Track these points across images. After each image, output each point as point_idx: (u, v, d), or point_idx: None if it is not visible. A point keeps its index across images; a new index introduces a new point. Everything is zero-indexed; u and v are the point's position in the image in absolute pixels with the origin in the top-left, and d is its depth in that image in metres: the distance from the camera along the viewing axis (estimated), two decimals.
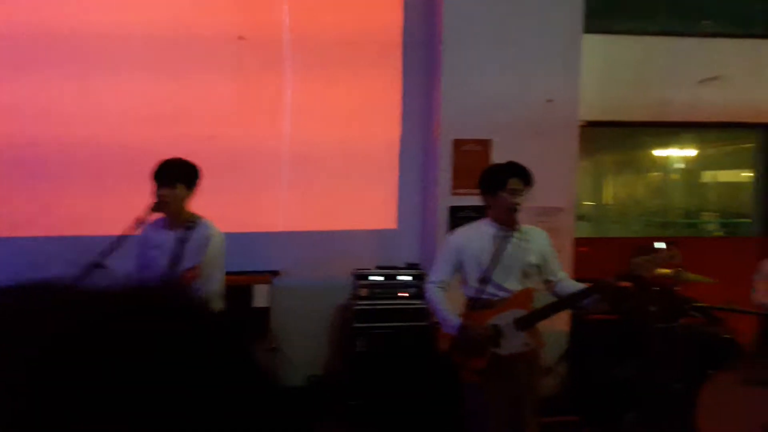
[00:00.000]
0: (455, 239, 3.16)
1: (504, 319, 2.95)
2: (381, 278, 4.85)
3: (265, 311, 4.62)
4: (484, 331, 2.92)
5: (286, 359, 5.04)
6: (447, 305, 3.05)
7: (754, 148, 6.19)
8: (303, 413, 0.55)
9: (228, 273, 4.45)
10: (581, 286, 3.04)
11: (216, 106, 5.09)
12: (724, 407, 3.91)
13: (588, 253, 5.44)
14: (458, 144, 5.03)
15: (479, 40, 5.00)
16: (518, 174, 3.03)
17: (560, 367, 5.07)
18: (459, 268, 3.12)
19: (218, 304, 3.21)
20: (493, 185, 3.05)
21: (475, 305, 2.98)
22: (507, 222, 3.00)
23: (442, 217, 4.99)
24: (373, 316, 4.68)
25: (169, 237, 3.17)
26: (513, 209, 2.97)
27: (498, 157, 5.03)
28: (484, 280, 2.95)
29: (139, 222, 3.10)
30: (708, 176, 7.40)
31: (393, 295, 4.81)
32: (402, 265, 5.05)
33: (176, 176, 3.13)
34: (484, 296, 2.96)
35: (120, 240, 3.01)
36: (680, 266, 4.43)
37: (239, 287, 4.53)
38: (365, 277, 4.85)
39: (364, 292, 4.80)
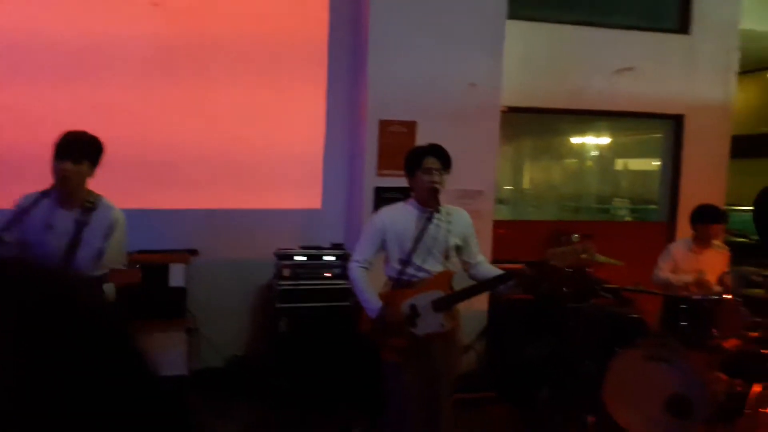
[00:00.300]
0: (379, 218, 3.16)
1: (422, 299, 2.99)
2: (304, 258, 4.80)
3: (181, 291, 4.47)
4: (400, 313, 2.96)
5: (205, 340, 4.93)
6: (369, 286, 3.06)
7: (662, 138, 6.53)
8: (174, 405, 0.54)
9: (143, 251, 4.32)
10: (498, 271, 3.11)
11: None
12: (629, 382, 4.14)
13: (506, 235, 5.60)
14: (384, 125, 5.03)
15: (405, 22, 4.99)
16: (434, 154, 3.05)
17: (478, 345, 5.21)
18: (382, 247, 3.12)
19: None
20: (412, 165, 3.08)
21: (396, 285, 2.99)
22: (429, 203, 3.02)
23: (368, 197, 4.99)
24: (297, 296, 4.63)
25: (64, 217, 2.92)
26: (432, 189, 2.98)
27: (422, 139, 5.06)
28: (405, 260, 2.96)
29: (43, 196, 2.88)
30: (620, 164, 7.77)
31: (316, 276, 4.77)
32: (326, 245, 5.02)
33: (84, 152, 2.91)
34: (404, 276, 2.98)
35: (18, 214, 2.81)
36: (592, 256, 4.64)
37: (155, 266, 4.37)
38: (288, 257, 4.78)
39: (287, 272, 4.74)
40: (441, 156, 3.06)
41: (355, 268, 3.11)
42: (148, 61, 4.91)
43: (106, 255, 2.93)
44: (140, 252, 4.21)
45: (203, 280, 4.86)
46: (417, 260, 2.99)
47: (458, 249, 3.12)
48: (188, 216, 5.07)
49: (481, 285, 3.10)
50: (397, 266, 3.00)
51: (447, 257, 3.08)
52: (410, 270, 2.98)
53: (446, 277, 3.06)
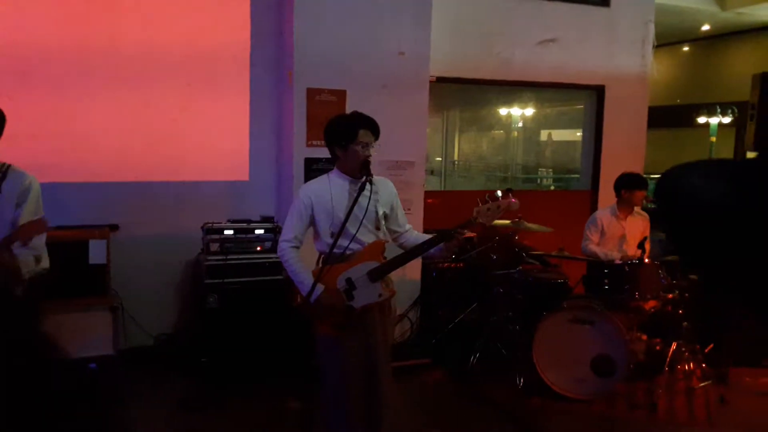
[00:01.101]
0: (305, 193, 3.06)
1: (357, 272, 2.96)
2: (232, 232, 4.66)
3: (102, 268, 4.25)
4: (338, 292, 2.94)
5: (131, 319, 4.74)
6: (302, 267, 3.00)
7: (584, 109, 6.72)
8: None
9: (60, 227, 4.07)
10: (427, 236, 3.12)
11: None
12: (557, 344, 4.29)
13: (436, 204, 5.65)
14: (312, 93, 4.91)
15: None
16: (368, 126, 3.00)
17: (411, 314, 5.26)
18: (311, 223, 3.06)
19: (45, 259, 2.90)
20: (344, 137, 3.00)
21: (328, 259, 2.92)
22: (360, 174, 2.97)
23: (297, 169, 4.88)
24: (226, 271, 4.48)
25: None
26: (367, 161, 2.95)
27: (352, 108, 4.98)
28: (337, 233, 2.90)
29: None
30: (544, 135, 7.98)
31: (246, 249, 4.64)
32: (256, 219, 4.89)
33: None
34: (337, 249, 2.91)
35: None
36: (519, 217, 4.74)
37: (73, 243, 4.14)
38: (216, 231, 4.62)
39: (215, 246, 4.59)
40: (373, 128, 3.02)
41: (285, 249, 3.03)
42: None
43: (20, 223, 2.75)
44: (57, 228, 3.96)
45: (126, 257, 4.64)
46: (351, 231, 2.93)
47: (386, 218, 3.11)
48: (108, 189, 4.81)
49: (414, 249, 3.08)
50: (329, 240, 2.94)
51: (378, 227, 3.05)
52: (343, 242, 2.92)
53: (379, 246, 3.04)
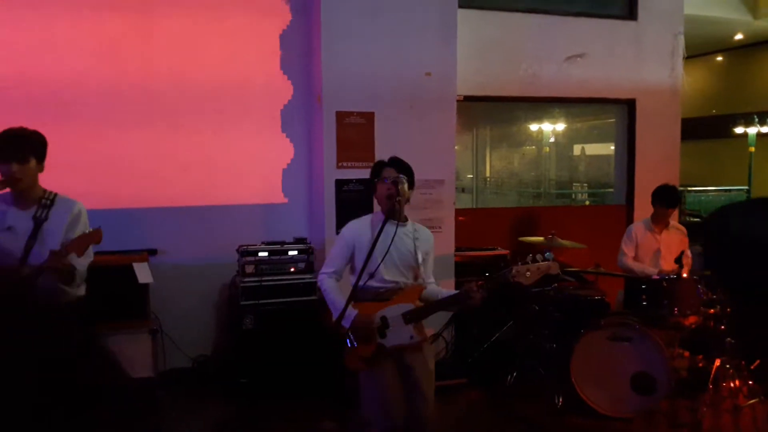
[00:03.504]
0: (348, 231, 3.17)
1: (393, 311, 3.00)
2: (267, 254, 4.73)
3: (143, 291, 4.34)
4: (373, 321, 2.96)
5: (170, 341, 4.82)
6: (339, 295, 3.05)
7: (615, 123, 6.66)
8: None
9: (101, 252, 4.17)
10: (450, 291, 3.11)
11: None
12: (595, 363, 4.21)
13: (467, 222, 5.64)
14: (341, 116, 4.98)
15: (357, 9, 4.94)
16: (392, 165, 3.10)
17: (446, 334, 5.24)
18: (351, 259, 3.14)
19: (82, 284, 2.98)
20: (372, 177, 3.14)
21: (364, 296, 2.99)
22: (391, 213, 3.02)
23: (328, 190, 4.94)
24: (261, 292, 4.55)
25: (21, 217, 2.87)
26: (388, 196, 3.00)
27: (380, 130, 5.05)
28: (372, 272, 2.97)
29: None
30: (577, 149, 7.91)
31: (280, 271, 4.70)
32: (289, 240, 4.95)
33: (27, 149, 2.83)
34: (371, 287, 3.00)
35: None
36: (553, 233, 4.70)
37: (114, 267, 4.24)
38: (251, 253, 4.70)
39: (250, 268, 4.66)
40: (399, 166, 3.09)
41: (324, 279, 3.12)
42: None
43: None
44: (97, 253, 4.07)
45: (164, 281, 4.73)
46: (384, 271, 3.00)
47: (418, 267, 3.14)
48: (146, 215, 4.94)
49: (447, 301, 3.09)
50: (365, 277, 2.99)
51: (411, 271, 3.10)
52: (377, 281, 3.00)
53: (417, 290, 3.09)
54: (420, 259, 3.08)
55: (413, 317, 3.00)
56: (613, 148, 6.78)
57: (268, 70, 5.20)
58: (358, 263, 3.07)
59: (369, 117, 5.04)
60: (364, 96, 4.98)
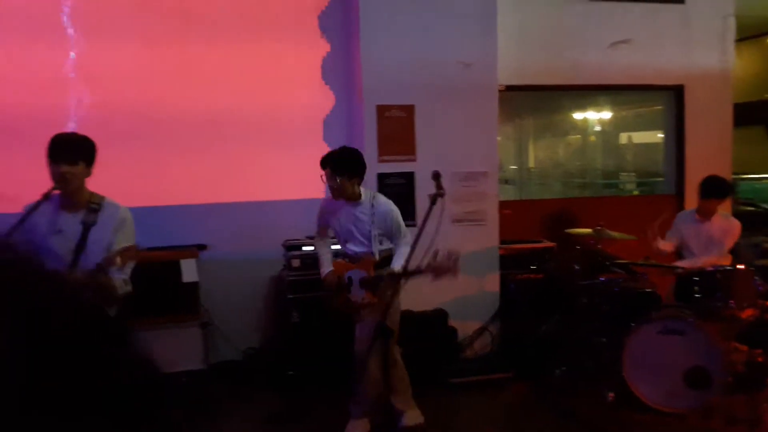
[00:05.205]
0: (321, 205, 3.95)
1: (355, 274, 3.71)
2: (312, 248, 4.77)
3: (194, 286, 4.46)
4: (335, 280, 3.77)
5: (220, 334, 4.93)
6: (321, 252, 3.92)
7: (664, 110, 6.47)
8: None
9: (151, 248, 4.30)
10: (398, 260, 3.58)
11: (126, 72, 4.85)
12: (647, 357, 4.11)
13: (512, 214, 5.57)
14: (381, 110, 4.98)
15: (395, 1, 4.92)
16: (326, 163, 3.71)
17: (492, 327, 5.20)
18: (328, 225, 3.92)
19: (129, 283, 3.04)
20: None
21: (345, 255, 3.85)
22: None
23: (370, 184, 4.94)
24: (307, 286, 4.61)
25: (69, 220, 2.92)
26: (332, 188, 3.68)
27: (421, 122, 5.03)
28: (342, 241, 3.83)
29: (44, 199, 2.83)
30: (624, 138, 7.71)
31: None
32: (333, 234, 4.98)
33: (78, 153, 2.89)
34: (348, 250, 3.79)
35: (22, 220, 2.77)
36: (601, 224, 4.60)
37: (164, 263, 4.35)
38: (296, 247, 4.76)
39: (296, 262, 4.72)
40: (333, 164, 3.67)
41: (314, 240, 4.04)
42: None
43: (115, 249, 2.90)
44: (148, 249, 4.19)
45: (213, 275, 4.85)
46: (348, 241, 3.77)
47: (382, 234, 3.75)
48: (194, 211, 5.05)
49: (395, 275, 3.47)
50: (342, 243, 3.84)
51: (373, 240, 3.69)
52: (348, 249, 3.79)
53: (370, 261, 3.67)
54: (375, 231, 3.68)
55: (367, 285, 3.64)
56: (661, 136, 6.59)
57: (306, 65, 5.26)
58: (333, 232, 3.93)
59: (409, 110, 5.02)
60: (404, 89, 4.97)
